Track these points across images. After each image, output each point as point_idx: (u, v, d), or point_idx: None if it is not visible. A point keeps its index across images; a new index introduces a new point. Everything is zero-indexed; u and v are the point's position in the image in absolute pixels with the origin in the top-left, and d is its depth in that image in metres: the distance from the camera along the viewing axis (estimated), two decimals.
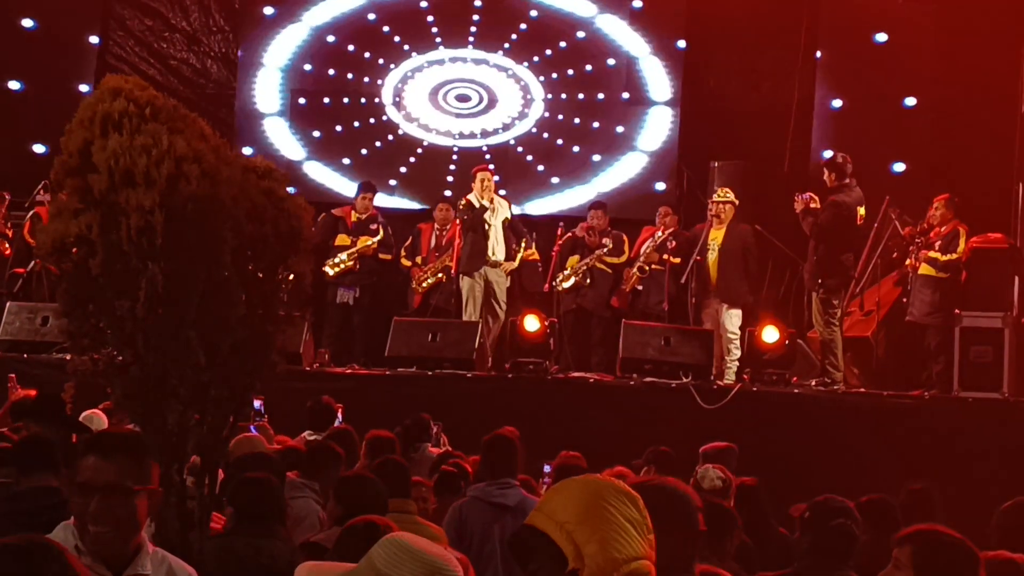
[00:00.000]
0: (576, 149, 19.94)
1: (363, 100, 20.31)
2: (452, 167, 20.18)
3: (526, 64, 20.30)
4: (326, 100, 20.36)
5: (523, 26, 20.27)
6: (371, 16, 20.42)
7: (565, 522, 3.82)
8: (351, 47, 20.36)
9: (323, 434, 11.32)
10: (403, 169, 20.21)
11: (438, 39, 20.41)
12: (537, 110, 20.30)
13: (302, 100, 20.34)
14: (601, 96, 20.26)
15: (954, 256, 15.66)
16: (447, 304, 17.51)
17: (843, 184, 15.76)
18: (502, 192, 18.03)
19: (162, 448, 6.06)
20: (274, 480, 7.51)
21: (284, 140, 20.29)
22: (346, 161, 20.21)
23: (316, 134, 20.33)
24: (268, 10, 20.36)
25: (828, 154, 17.09)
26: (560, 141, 20.14)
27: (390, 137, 20.33)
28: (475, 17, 20.35)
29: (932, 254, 15.75)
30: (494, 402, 14.86)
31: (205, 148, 6.26)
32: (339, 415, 12.49)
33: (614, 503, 3.85)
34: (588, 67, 20.26)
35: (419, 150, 20.30)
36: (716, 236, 16.47)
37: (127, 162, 5.97)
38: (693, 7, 19.72)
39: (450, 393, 14.99)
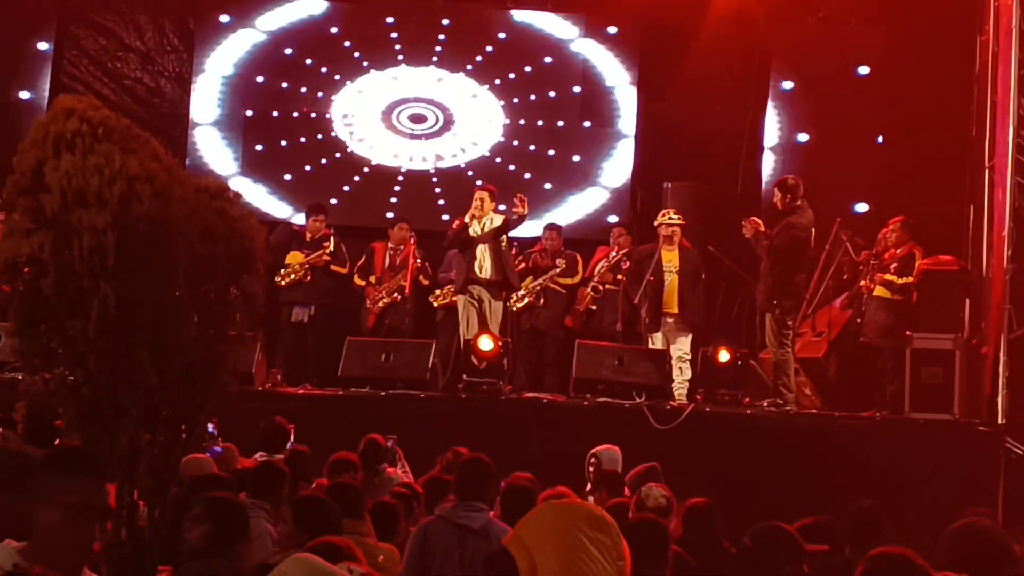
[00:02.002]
0: (528, 176, 19.55)
1: (314, 115, 20.19)
2: (397, 188, 20.09)
3: (487, 87, 20.21)
4: (275, 113, 20.23)
5: (489, 48, 20.21)
6: (333, 29, 20.40)
7: (530, 543, 3.87)
8: (308, 60, 20.29)
9: (277, 455, 11.32)
10: (346, 188, 20.10)
11: (400, 56, 20.33)
12: (494, 135, 20.21)
13: (250, 112, 20.23)
14: (561, 123, 20.15)
15: (910, 279, 15.78)
16: (401, 324, 17.50)
17: (796, 206, 15.87)
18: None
19: (114, 469, 6.05)
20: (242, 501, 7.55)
21: (216, 152, 20.19)
22: (287, 177, 20.09)
23: (259, 147, 20.19)
24: (224, 17, 20.30)
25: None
26: (512, 167, 19.88)
27: (337, 155, 20.21)
28: (441, 36, 20.30)
29: (888, 277, 15.85)
30: (447, 422, 14.84)
31: (158, 168, 6.26)
32: (291, 435, 12.46)
33: (584, 528, 3.91)
34: (552, 93, 20.14)
35: (365, 169, 20.18)
36: (671, 258, 16.47)
37: (80, 182, 5.96)
38: (647, 31, 19.76)
39: (403, 413, 14.96)
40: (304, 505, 7.52)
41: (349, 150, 20.22)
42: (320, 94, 20.22)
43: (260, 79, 20.27)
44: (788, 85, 19.32)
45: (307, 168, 20.18)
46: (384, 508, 8.92)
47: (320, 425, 14.11)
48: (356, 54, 20.30)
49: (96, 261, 5.95)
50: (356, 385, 15.77)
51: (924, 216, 16.81)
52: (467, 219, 16.60)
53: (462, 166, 20.14)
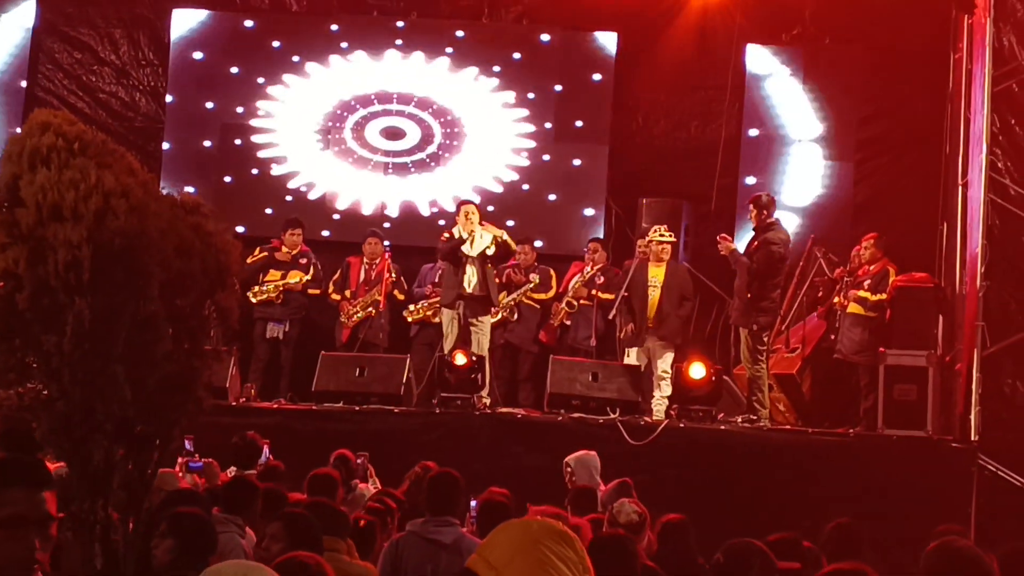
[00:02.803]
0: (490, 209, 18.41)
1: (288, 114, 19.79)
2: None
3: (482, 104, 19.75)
4: (239, 109, 19.82)
5: (497, 67, 19.70)
6: (334, 27, 19.94)
7: (496, 563, 3.86)
8: (295, 57, 19.83)
9: (249, 471, 11.29)
10: (289, 198, 19.57)
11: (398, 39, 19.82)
12: (474, 164, 19.73)
13: (210, 104, 19.79)
14: (547, 157, 19.61)
15: (884, 296, 15.82)
16: (375, 338, 17.44)
17: (771, 222, 15.92)
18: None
19: (88, 484, 6.03)
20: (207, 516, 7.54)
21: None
22: (227, 179, 19.65)
23: (207, 143, 19.76)
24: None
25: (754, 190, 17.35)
26: (486, 205, 18.78)
27: (279, 166, 19.73)
28: (449, 49, 19.81)
29: (862, 293, 15.89)
30: (421, 437, 14.83)
31: (133, 183, 6.25)
32: (266, 450, 12.42)
33: (549, 544, 3.89)
34: (548, 124, 19.66)
35: (321, 183, 19.69)
36: (657, 274, 16.43)
37: (55, 197, 5.95)
38: (623, 44, 19.74)
39: (377, 428, 14.94)
40: (294, 520, 7.51)
41: (295, 167, 19.79)
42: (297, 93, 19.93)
43: (235, 70, 19.90)
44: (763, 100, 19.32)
45: (253, 172, 19.74)
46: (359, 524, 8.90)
47: (294, 440, 14.09)
48: (350, 56, 19.94)
49: (71, 276, 5.94)
50: (330, 400, 15.73)
51: (898, 233, 16.90)
52: (456, 233, 16.52)
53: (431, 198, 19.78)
